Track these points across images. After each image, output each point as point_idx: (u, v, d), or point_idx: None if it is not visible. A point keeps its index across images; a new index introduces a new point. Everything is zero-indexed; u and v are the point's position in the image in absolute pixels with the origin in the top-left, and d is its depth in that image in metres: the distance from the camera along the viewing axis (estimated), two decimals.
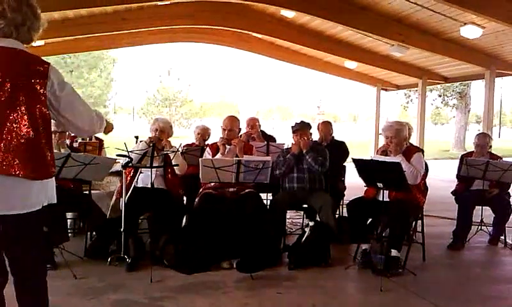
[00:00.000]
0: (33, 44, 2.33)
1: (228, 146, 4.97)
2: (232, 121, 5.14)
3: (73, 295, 3.56)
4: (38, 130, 2.16)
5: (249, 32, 10.31)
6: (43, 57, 2.26)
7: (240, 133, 6.26)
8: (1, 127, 2.09)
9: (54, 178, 2.31)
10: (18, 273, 2.28)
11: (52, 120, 2.26)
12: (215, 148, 5.07)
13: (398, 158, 4.35)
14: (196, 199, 4.78)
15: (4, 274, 2.31)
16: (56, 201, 2.34)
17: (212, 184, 4.77)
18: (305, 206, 5.00)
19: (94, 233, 4.75)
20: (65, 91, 2.25)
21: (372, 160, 4.40)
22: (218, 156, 4.88)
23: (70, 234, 4.94)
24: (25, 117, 2.12)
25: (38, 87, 2.15)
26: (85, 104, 2.37)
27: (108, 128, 2.64)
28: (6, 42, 2.17)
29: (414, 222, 4.73)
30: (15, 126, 2.11)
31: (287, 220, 5.48)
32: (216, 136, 5.39)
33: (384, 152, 4.58)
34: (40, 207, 2.22)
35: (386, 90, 13.55)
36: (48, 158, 2.22)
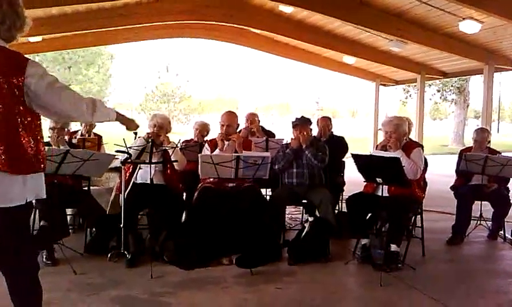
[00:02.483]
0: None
1: (226, 142, 4.96)
2: (230, 116, 5.14)
3: (73, 291, 3.56)
4: (17, 126, 2.17)
5: (248, 28, 10.29)
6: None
7: (239, 129, 6.27)
8: None
9: (42, 173, 2.30)
10: (5, 270, 2.29)
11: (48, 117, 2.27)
12: (213, 144, 5.07)
13: (397, 154, 4.35)
14: (195, 193, 4.78)
15: None
16: (45, 196, 2.34)
17: (212, 179, 4.77)
18: (305, 201, 5.00)
19: (94, 229, 4.74)
20: (46, 84, 2.23)
21: (371, 155, 4.40)
22: (217, 152, 4.87)
23: (69, 230, 4.94)
24: (4, 113, 2.13)
25: (17, 83, 2.16)
26: (69, 92, 2.33)
27: (131, 126, 2.71)
28: None
29: (413, 217, 4.73)
30: None
31: (287, 216, 5.49)
32: (215, 132, 5.39)
33: (383, 147, 4.57)
34: (23, 202, 2.22)
35: (385, 85, 13.55)
36: (31, 154, 2.21)
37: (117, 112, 2.60)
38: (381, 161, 4.12)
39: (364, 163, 4.28)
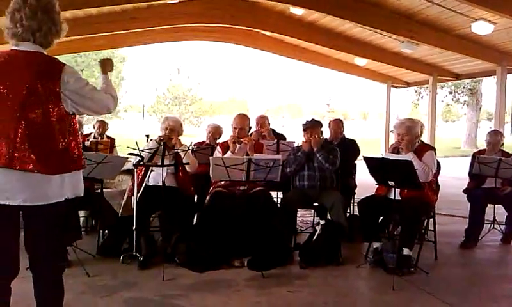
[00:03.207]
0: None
1: (238, 145, 4.97)
2: (243, 119, 5.15)
3: (86, 293, 3.59)
4: (54, 127, 2.27)
5: (258, 30, 10.30)
6: (54, 56, 2.35)
7: (250, 132, 6.28)
8: (19, 125, 2.21)
9: (80, 171, 2.41)
10: (37, 264, 2.37)
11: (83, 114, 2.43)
12: (225, 147, 5.08)
13: (409, 156, 4.33)
14: (207, 198, 4.80)
15: (16, 267, 2.38)
16: (82, 194, 2.45)
17: (223, 182, 4.78)
18: (316, 204, 4.98)
19: (106, 231, 4.79)
20: (80, 87, 2.37)
21: (383, 158, 4.38)
22: (228, 154, 4.88)
23: (82, 232, 4.99)
24: (42, 115, 2.24)
25: (54, 87, 2.28)
26: (99, 92, 2.48)
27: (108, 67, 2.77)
28: (25, 46, 2.31)
29: (426, 221, 4.70)
30: (32, 124, 2.23)
31: (298, 219, 5.48)
32: (227, 135, 5.40)
33: (395, 149, 4.55)
34: (61, 200, 2.32)
35: (396, 87, 13.48)
36: (67, 154, 2.32)
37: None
38: (393, 164, 4.10)
39: (376, 166, 4.27)
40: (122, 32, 9.17)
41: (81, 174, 2.44)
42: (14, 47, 2.33)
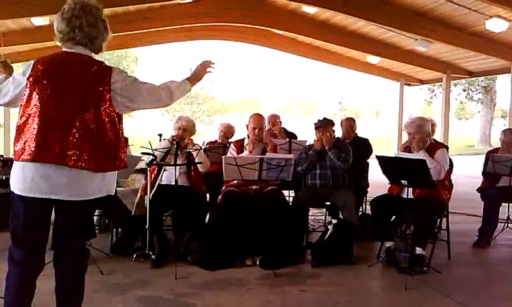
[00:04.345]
0: (58, 43, 2.51)
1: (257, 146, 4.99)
2: (261, 119, 5.14)
3: (100, 291, 3.63)
4: (103, 128, 2.38)
5: (271, 29, 10.30)
6: None
7: None
8: (72, 125, 2.32)
9: (116, 171, 2.51)
10: (65, 261, 2.47)
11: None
12: (239, 145, 5.10)
13: (421, 155, 4.31)
14: (219, 197, 4.82)
15: (42, 263, 2.47)
16: (114, 193, 2.59)
17: (235, 182, 4.80)
18: (328, 203, 4.98)
19: (119, 229, 4.83)
20: (130, 85, 2.47)
21: (396, 157, 4.36)
22: (246, 153, 4.89)
23: (96, 231, 5.04)
24: (93, 116, 2.35)
25: (104, 89, 2.39)
26: (150, 87, 2.54)
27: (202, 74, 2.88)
28: (78, 49, 2.45)
29: (439, 220, 4.67)
30: (84, 124, 2.33)
31: (310, 218, 5.48)
32: (239, 134, 5.41)
33: (407, 148, 4.54)
34: (97, 196, 2.43)
35: (409, 85, 13.36)
36: (114, 154, 2.42)
37: (188, 79, 2.76)
38: (406, 163, 4.08)
39: (389, 165, 4.25)
40: (136, 32, 9.23)
41: (116, 174, 2.54)
42: (66, 50, 2.45)
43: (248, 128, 5.15)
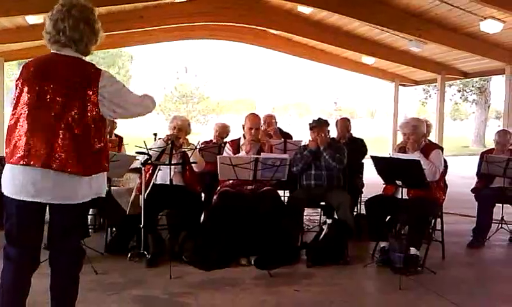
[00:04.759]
0: (47, 45, 2.51)
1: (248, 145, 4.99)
2: (258, 119, 5.18)
3: (95, 290, 3.62)
4: (89, 130, 2.37)
5: (266, 29, 10.30)
6: None
7: None
8: (59, 127, 2.32)
9: (105, 173, 2.51)
10: (59, 261, 2.49)
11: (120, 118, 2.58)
12: (236, 145, 5.09)
13: (416, 155, 4.32)
14: (214, 197, 4.81)
15: (37, 261, 2.49)
16: (104, 195, 2.57)
17: (230, 181, 4.80)
18: (323, 203, 4.99)
19: (114, 229, 4.82)
20: (118, 91, 2.48)
21: (391, 157, 4.37)
22: (242, 154, 4.88)
23: (90, 230, 5.02)
24: (78, 118, 2.34)
25: (92, 93, 2.37)
26: (135, 94, 2.59)
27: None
28: (66, 51, 2.44)
29: (433, 220, 4.68)
30: (70, 127, 2.32)
31: (304, 218, 5.48)
32: (234, 133, 5.40)
33: (402, 149, 4.55)
34: (88, 199, 2.44)
35: (404, 86, 13.42)
36: (99, 157, 2.43)
37: None
38: (400, 163, 4.09)
39: (384, 165, 4.26)
40: (131, 31, 9.21)
41: (105, 175, 2.54)
42: (55, 51, 2.45)
43: (244, 128, 5.15)
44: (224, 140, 5.98)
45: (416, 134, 4.47)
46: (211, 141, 6.14)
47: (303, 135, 6.46)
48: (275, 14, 9.35)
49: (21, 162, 2.29)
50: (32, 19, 7.89)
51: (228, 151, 5.08)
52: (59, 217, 2.42)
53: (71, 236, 2.50)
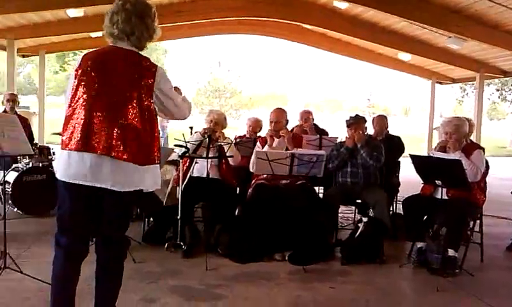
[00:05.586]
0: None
1: (276, 139, 5.00)
2: (278, 113, 5.16)
3: (134, 278, 3.69)
4: (145, 122, 2.42)
5: (300, 24, 10.26)
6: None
7: (292, 127, 6.28)
8: (117, 117, 2.37)
9: (158, 165, 2.55)
10: (108, 248, 2.56)
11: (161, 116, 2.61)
12: (264, 141, 5.11)
13: (457, 155, 4.23)
14: (250, 190, 4.85)
15: (86, 250, 2.54)
16: (160, 186, 2.61)
17: (265, 176, 4.82)
18: (358, 201, 4.95)
19: (151, 219, 4.91)
20: (168, 88, 2.54)
21: (431, 156, 4.29)
22: (266, 148, 4.91)
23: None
24: (137, 110, 2.39)
25: (147, 84, 2.44)
26: (181, 98, 2.66)
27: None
28: (121, 44, 2.50)
29: (472, 222, 4.58)
30: (127, 117, 2.38)
31: (338, 215, 5.45)
32: (267, 128, 5.42)
33: (442, 148, 4.45)
34: (142, 188, 2.48)
35: (441, 83, 13.15)
36: (154, 148, 2.47)
37: None
38: (441, 163, 4.01)
39: (423, 164, 4.19)
40: (167, 25, 9.33)
41: (158, 168, 2.58)
42: (112, 44, 2.51)
43: None
44: (257, 134, 6.00)
45: (459, 133, 4.38)
46: (244, 135, 6.17)
47: (335, 131, 6.43)
48: (310, 9, 9.31)
49: (79, 148, 2.35)
50: (73, 12, 8.11)
51: (258, 148, 5.09)
52: (111, 205, 2.46)
53: (120, 224, 2.56)
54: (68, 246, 2.47)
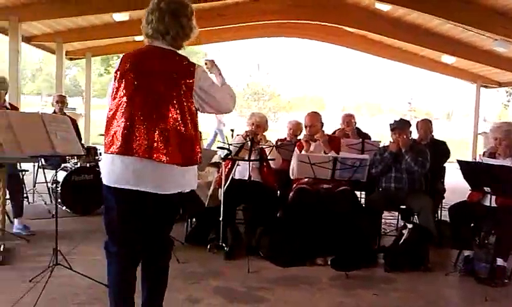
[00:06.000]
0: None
1: (312, 143, 4.97)
2: (312, 117, 5.15)
3: (178, 278, 3.74)
4: (186, 122, 2.40)
5: (341, 26, 10.18)
6: None
7: (334, 130, 6.24)
8: (158, 119, 2.35)
9: (195, 166, 2.53)
10: (156, 251, 2.59)
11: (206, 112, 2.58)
12: (301, 146, 5.09)
13: (507, 162, 4.10)
14: (291, 193, 4.84)
15: (138, 257, 2.54)
16: (195, 187, 2.60)
17: (306, 179, 4.80)
18: (403, 207, 4.85)
19: (194, 220, 4.98)
20: (208, 84, 2.50)
21: (480, 162, 4.17)
22: (303, 153, 4.88)
23: None
24: (177, 110, 2.38)
25: (187, 84, 2.40)
26: (223, 91, 2.60)
27: None
28: (157, 43, 2.47)
29: None
30: (168, 118, 2.36)
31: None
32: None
33: (492, 154, 4.32)
34: (184, 190, 2.48)
35: (486, 87, 12.75)
36: (195, 148, 2.45)
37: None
38: (491, 169, 3.89)
39: (471, 170, 4.08)
40: (208, 28, 9.46)
41: (196, 168, 2.56)
42: (149, 44, 2.49)
43: None
44: (298, 137, 5.98)
45: (509, 139, 4.23)
46: (285, 138, 6.17)
47: (375, 135, 6.32)
48: (351, 11, 9.25)
49: (121, 152, 2.33)
50: (119, 17, 8.34)
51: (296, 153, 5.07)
52: (156, 207, 2.45)
53: (165, 226, 2.60)
54: (118, 253, 2.47)
